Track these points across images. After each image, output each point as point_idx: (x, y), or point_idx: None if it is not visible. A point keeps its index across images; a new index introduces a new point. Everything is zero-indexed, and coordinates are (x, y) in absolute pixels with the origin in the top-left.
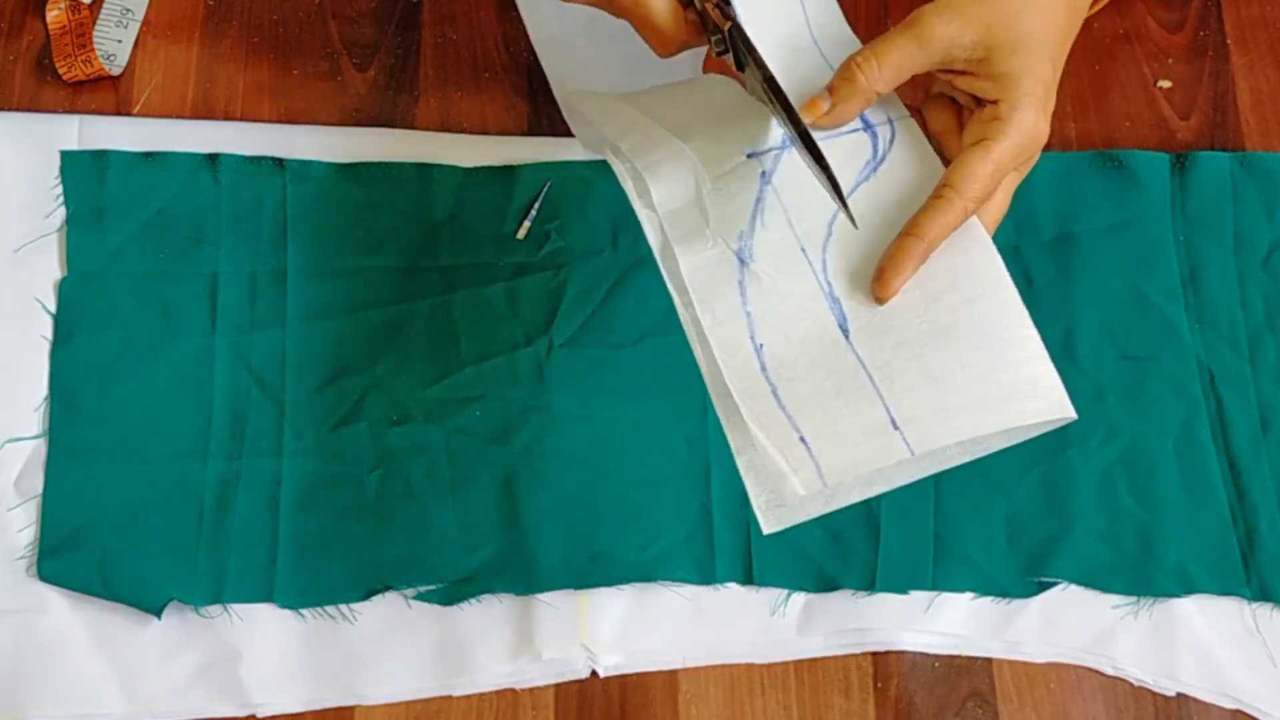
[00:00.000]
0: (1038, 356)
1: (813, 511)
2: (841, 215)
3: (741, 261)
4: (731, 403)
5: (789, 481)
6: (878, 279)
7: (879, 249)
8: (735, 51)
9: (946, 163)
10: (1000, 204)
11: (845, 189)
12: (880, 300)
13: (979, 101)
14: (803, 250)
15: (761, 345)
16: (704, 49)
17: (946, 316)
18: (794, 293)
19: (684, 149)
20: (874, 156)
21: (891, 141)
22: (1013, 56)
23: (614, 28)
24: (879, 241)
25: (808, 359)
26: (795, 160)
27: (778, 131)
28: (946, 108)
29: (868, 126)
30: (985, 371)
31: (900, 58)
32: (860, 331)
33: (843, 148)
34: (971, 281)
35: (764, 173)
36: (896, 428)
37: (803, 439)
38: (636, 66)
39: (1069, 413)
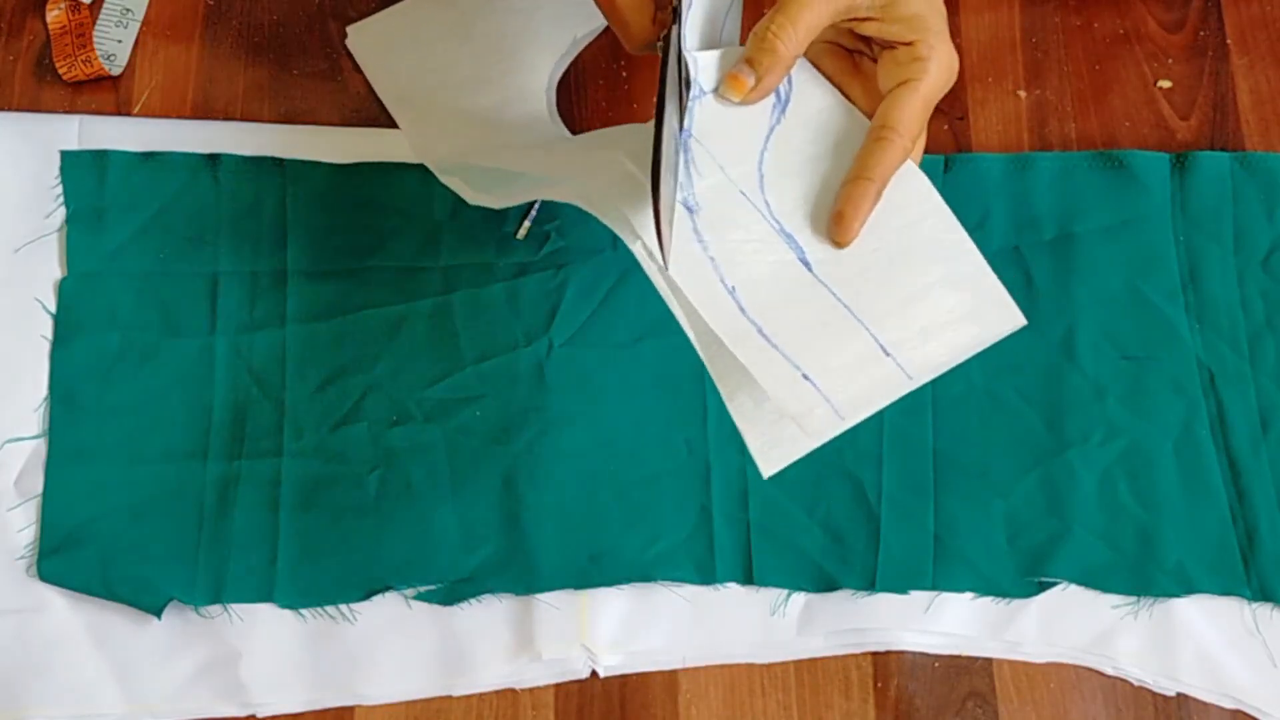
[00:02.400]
0: (984, 269)
1: (808, 447)
2: (768, 156)
3: (689, 210)
4: (720, 351)
5: (808, 419)
6: (837, 223)
7: (815, 183)
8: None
9: (855, 104)
10: (922, 142)
11: (759, 139)
12: (841, 244)
13: (882, 45)
14: (743, 194)
15: (734, 287)
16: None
17: (896, 241)
18: (749, 233)
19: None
20: (779, 100)
21: (790, 85)
22: (917, 1)
23: (464, 80)
24: (809, 177)
25: (782, 295)
26: (708, 109)
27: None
28: (838, 54)
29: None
30: (947, 289)
31: (811, 16)
32: (822, 264)
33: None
34: (909, 206)
35: (685, 129)
36: (888, 354)
37: (806, 376)
38: (491, 120)
39: (1020, 319)
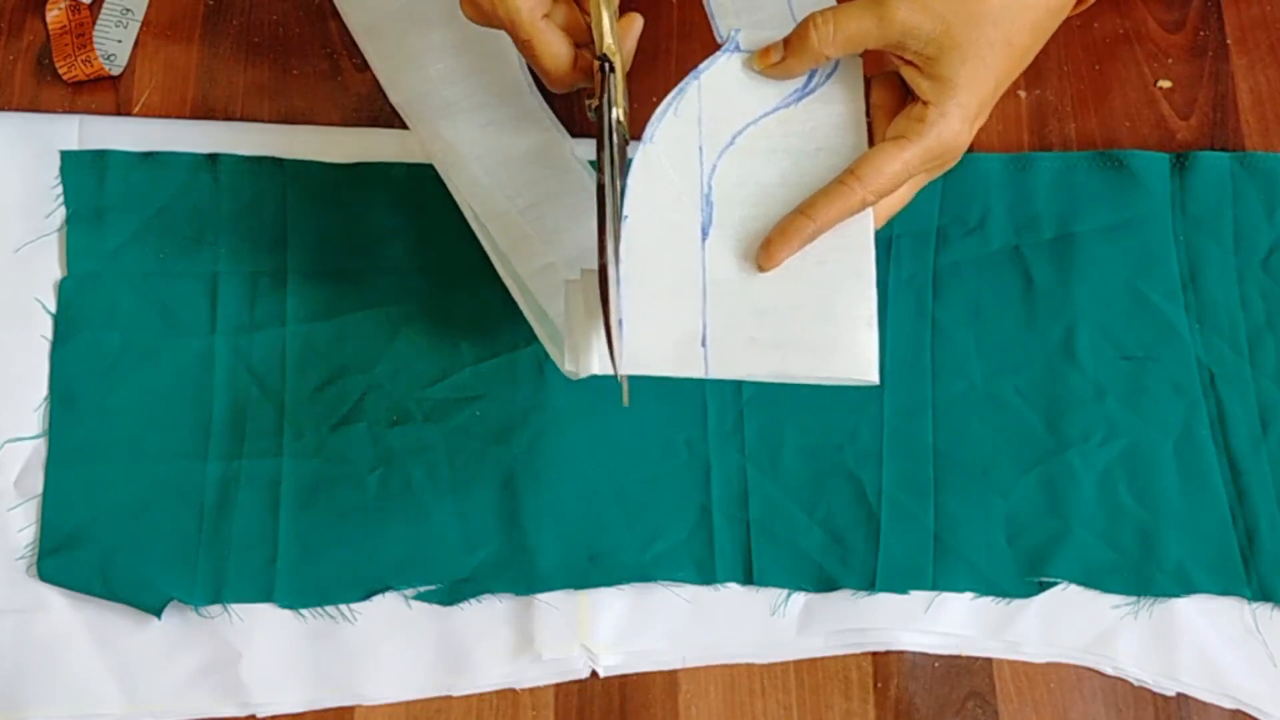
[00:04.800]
0: (865, 321)
1: (571, 372)
2: (755, 128)
3: (644, 142)
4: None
5: (588, 357)
6: (764, 248)
7: (773, 175)
8: (600, 132)
9: (870, 137)
10: (901, 197)
11: (759, 110)
12: (762, 268)
13: (916, 96)
14: (700, 148)
15: (626, 216)
16: None
17: (797, 262)
18: (675, 181)
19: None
20: (803, 86)
21: (828, 77)
22: (961, 65)
23: (434, 11)
24: (775, 167)
25: (658, 245)
26: (731, 65)
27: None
28: (893, 87)
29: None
30: (810, 318)
31: (857, 29)
32: (716, 241)
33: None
34: (838, 239)
35: (695, 70)
36: (704, 344)
37: (620, 321)
38: (460, 47)
39: (872, 377)
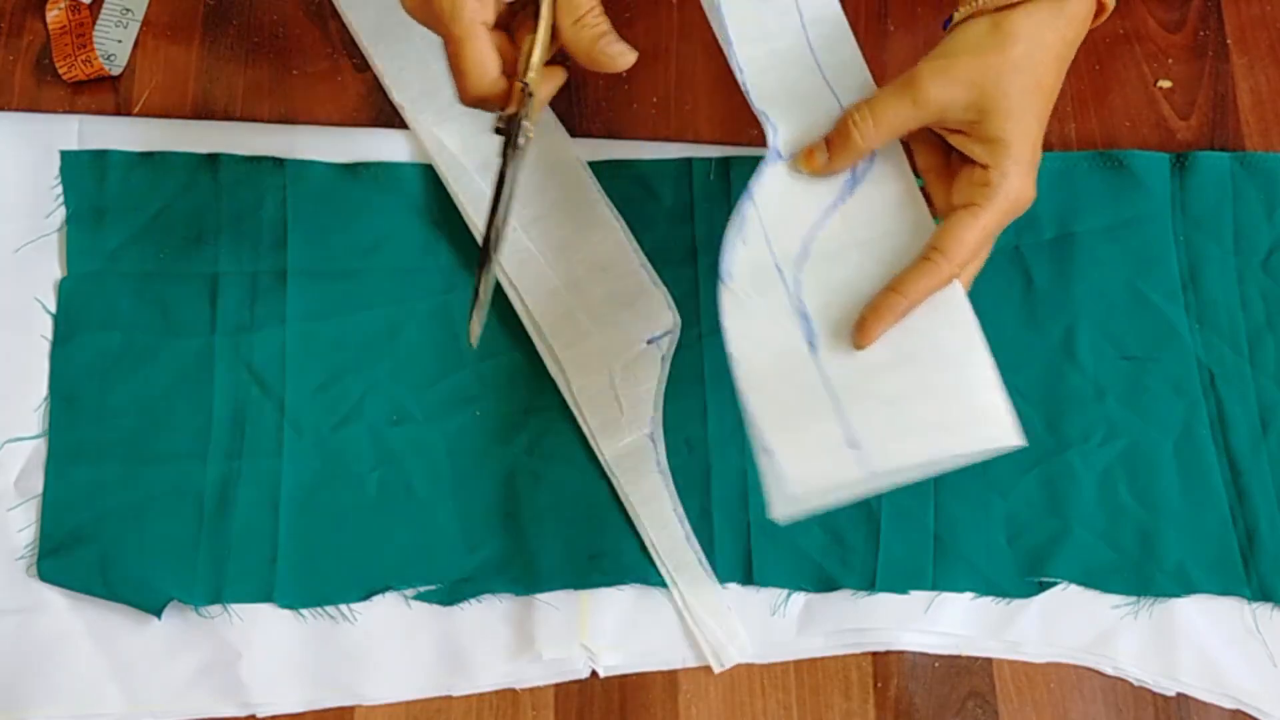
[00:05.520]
0: (992, 386)
1: (783, 515)
2: (821, 233)
3: (722, 281)
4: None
5: (769, 492)
6: (859, 327)
7: (853, 271)
8: (506, 143)
9: (928, 198)
10: (982, 257)
11: (819, 212)
12: (858, 346)
13: (964, 159)
14: (778, 269)
15: (734, 357)
16: None
17: (910, 344)
18: (767, 308)
19: (594, 335)
20: (852, 176)
21: (872, 160)
22: (1006, 121)
23: None
24: (853, 263)
25: (774, 371)
26: (778, 175)
27: (669, 316)
28: (935, 148)
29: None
30: (942, 398)
31: (895, 117)
32: (827, 350)
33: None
34: (938, 314)
35: (747, 189)
36: (853, 446)
37: (767, 449)
38: None
39: (1017, 440)
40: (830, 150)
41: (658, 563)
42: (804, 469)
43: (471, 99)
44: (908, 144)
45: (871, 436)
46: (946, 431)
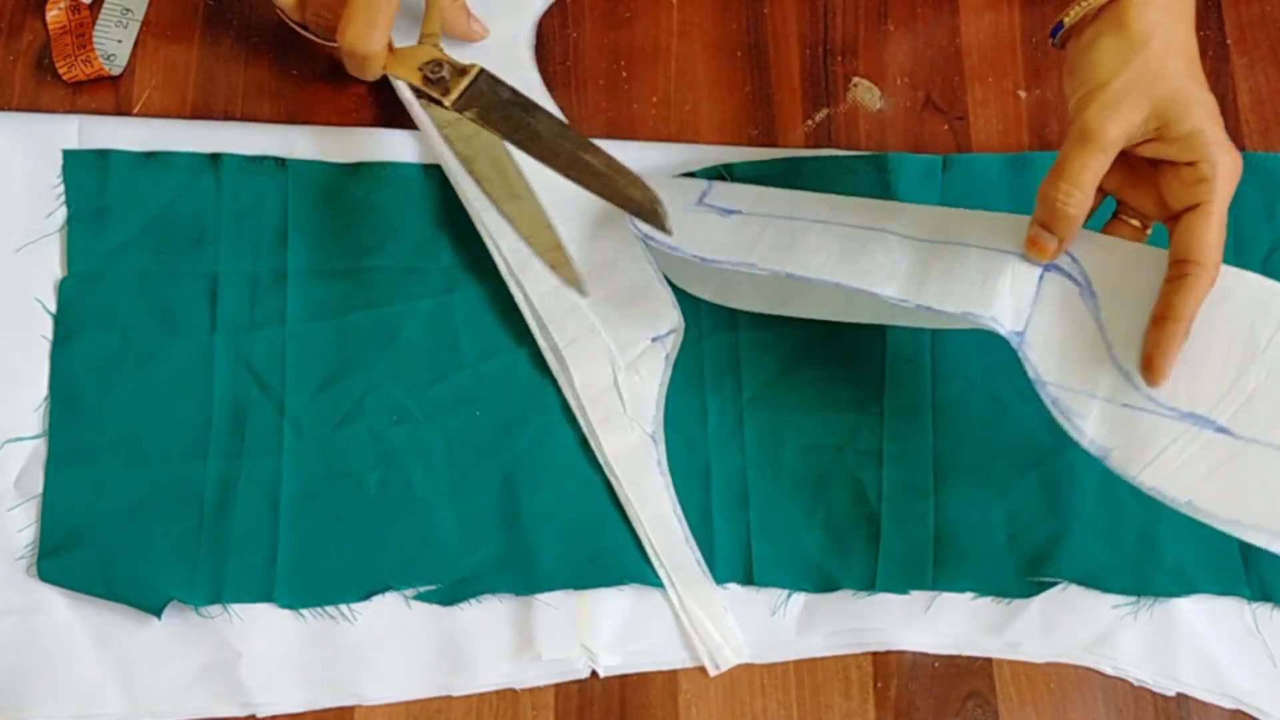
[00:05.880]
0: None
1: None
2: (1116, 351)
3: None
4: None
5: None
6: (1147, 368)
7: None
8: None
9: (1131, 212)
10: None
11: (1096, 336)
12: (1153, 385)
13: (1162, 163)
14: (1127, 406)
15: (1155, 487)
16: None
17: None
18: (1164, 438)
19: (599, 331)
20: (1080, 286)
21: (1074, 260)
22: (1188, 112)
23: None
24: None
25: (1208, 470)
26: (1037, 348)
27: (674, 314)
28: (1116, 164)
29: (1047, 269)
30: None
31: (1092, 173)
32: (1236, 423)
33: (1054, 296)
34: (1256, 318)
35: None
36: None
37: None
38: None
39: None
40: (1057, 231)
41: (655, 563)
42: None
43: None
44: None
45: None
46: None
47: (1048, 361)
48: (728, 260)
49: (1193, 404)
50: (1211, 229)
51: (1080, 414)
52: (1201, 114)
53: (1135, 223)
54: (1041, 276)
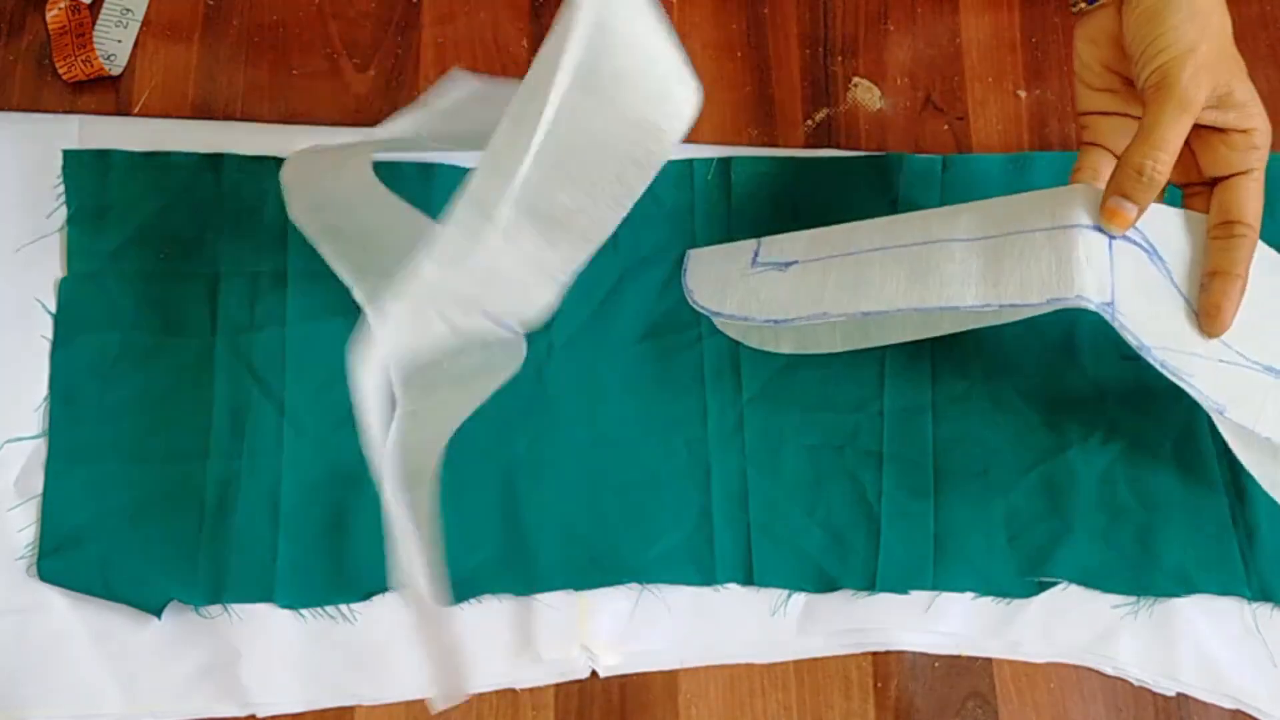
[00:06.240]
0: None
1: None
2: (1189, 310)
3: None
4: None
5: None
6: (1214, 316)
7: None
8: None
9: (1188, 178)
10: None
11: (1175, 297)
12: (1213, 335)
13: (1213, 129)
14: (1223, 361)
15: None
16: None
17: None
18: (1258, 394)
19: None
20: (1149, 252)
21: (1139, 230)
22: (1243, 83)
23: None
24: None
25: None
26: (1133, 314)
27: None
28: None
29: (1113, 237)
30: None
31: (1180, 138)
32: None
33: (1128, 264)
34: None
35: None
36: None
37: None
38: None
39: None
40: (1138, 200)
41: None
42: None
43: None
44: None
45: None
46: None
47: (1145, 326)
48: (800, 317)
49: (1273, 359)
50: (1260, 194)
51: (1189, 373)
52: (1248, 85)
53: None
54: (1110, 245)
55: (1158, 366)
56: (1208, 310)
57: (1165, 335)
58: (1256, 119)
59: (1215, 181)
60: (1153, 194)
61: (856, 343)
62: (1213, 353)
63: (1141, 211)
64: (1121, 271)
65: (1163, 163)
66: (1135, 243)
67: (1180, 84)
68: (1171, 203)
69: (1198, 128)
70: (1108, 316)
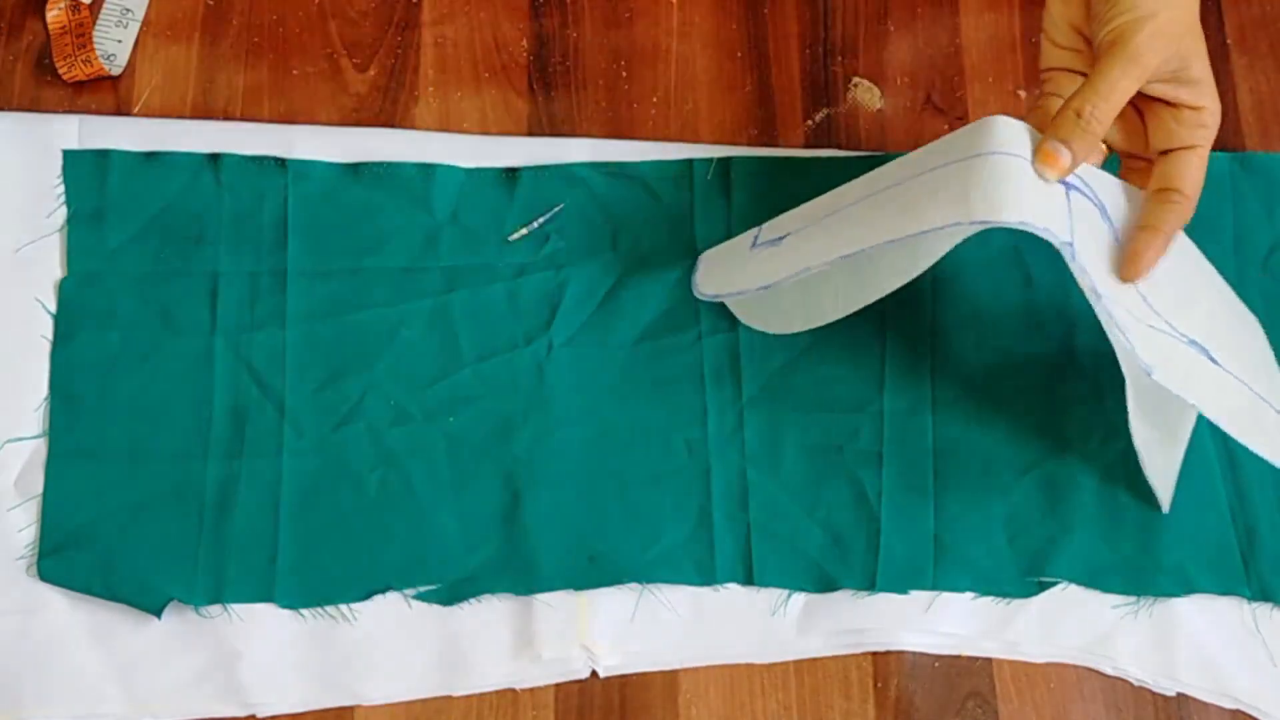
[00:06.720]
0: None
1: None
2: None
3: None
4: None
5: None
6: (1133, 263)
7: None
8: None
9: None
10: None
11: (1109, 244)
12: (1127, 280)
13: (1164, 102)
14: (1152, 327)
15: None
16: None
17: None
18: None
19: None
20: (1099, 209)
21: (1085, 182)
22: (1199, 60)
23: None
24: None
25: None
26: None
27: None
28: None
29: (1070, 188)
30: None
31: (1123, 95)
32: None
33: (1083, 214)
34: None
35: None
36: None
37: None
38: None
39: None
40: (1074, 147)
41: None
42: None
43: None
44: None
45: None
46: None
47: (1099, 274)
48: (788, 276)
49: (1195, 334)
50: (1202, 170)
51: (1127, 329)
52: (1207, 66)
53: (1103, 148)
54: (1069, 194)
55: (1103, 316)
56: (1129, 255)
57: (1111, 288)
58: (1208, 99)
59: (1161, 156)
60: (1088, 142)
61: (856, 303)
62: (1144, 317)
63: (1077, 160)
64: (1079, 218)
65: (1102, 110)
66: (1087, 197)
67: (1134, 42)
68: (1110, 171)
69: (1150, 100)
70: (1068, 256)
